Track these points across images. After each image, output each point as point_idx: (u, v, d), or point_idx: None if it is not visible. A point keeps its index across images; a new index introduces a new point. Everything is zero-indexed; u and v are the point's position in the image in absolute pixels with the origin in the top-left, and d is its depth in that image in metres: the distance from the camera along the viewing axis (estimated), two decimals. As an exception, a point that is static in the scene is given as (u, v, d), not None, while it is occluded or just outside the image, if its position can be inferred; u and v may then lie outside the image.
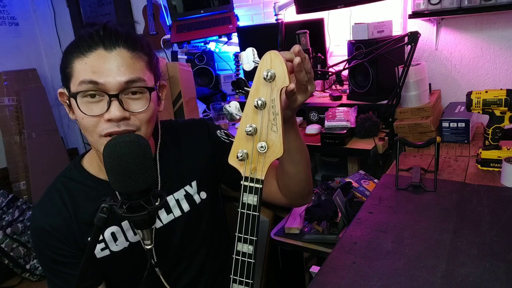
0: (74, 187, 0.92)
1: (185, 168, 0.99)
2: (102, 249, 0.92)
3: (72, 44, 0.80)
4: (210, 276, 1.05)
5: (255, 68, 0.68)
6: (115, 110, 0.76)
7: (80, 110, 0.78)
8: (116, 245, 0.93)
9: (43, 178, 2.90)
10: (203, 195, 1.01)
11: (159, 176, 0.95)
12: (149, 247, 0.74)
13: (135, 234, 0.93)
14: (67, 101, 0.83)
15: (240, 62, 0.70)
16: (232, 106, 0.71)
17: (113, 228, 0.92)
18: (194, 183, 0.99)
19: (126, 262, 0.95)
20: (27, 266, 2.47)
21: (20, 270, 2.47)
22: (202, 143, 1.01)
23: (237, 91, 0.70)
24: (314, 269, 1.16)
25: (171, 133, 1.01)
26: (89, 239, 0.88)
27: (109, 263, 0.93)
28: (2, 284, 2.47)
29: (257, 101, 0.67)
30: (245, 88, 0.70)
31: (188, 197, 0.99)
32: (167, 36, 2.69)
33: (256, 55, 0.68)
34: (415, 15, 1.79)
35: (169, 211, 0.97)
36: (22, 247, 2.49)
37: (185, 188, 0.98)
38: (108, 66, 0.76)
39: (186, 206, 0.98)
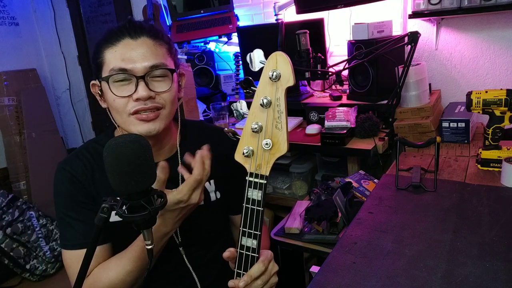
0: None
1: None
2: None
3: (102, 38, 0.92)
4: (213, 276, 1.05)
5: (261, 69, 0.71)
6: (142, 91, 0.86)
7: (112, 92, 0.88)
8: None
9: (43, 178, 2.90)
10: (218, 194, 1.05)
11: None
12: (150, 247, 0.74)
13: None
14: (99, 92, 0.94)
15: (248, 62, 0.73)
16: (243, 107, 0.74)
17: None
18: (212, 181, 1.04)
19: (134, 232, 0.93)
20: (27, 266, 2.47)
21: (20, 270, 2.46)
22: (226, 156, 0.96)
23: (245, 90, 0.73)
24: (314, 269, 1.16)
25: (198, 131, 1.07)
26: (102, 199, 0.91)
27: (120, 227, 0.89)
28: (2, 284, 2.47)
29: (262, 100, 0.69)
30: (251, 87, 0.72)
31: (205, 192, 1.01)
32: (167, 36, 2.69)
33: (263, 56, 0.72)
34: (415, 15, 1.79)
35: None
36: (22, 247, 2.48)
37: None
38: (135, 53, 0.88)
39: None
